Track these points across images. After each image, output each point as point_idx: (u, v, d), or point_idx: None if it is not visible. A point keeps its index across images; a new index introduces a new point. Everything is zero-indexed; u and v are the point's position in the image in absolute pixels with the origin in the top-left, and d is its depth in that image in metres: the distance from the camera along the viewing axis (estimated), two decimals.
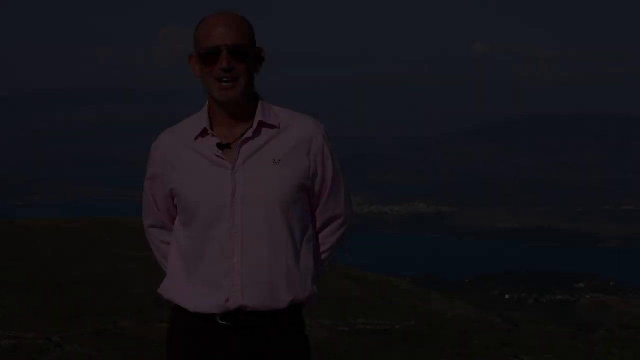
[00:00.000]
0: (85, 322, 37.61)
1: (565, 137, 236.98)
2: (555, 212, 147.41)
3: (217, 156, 2.79)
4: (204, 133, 2.82)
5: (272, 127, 2.82)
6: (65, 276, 43.07)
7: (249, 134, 2.79)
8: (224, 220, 2.76)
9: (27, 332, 35.07)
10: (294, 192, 2.79)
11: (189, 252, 2.83)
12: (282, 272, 2.78)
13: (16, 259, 43.22)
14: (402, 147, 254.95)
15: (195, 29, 2.77)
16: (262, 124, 2.81)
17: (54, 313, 37.87)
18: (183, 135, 2.86)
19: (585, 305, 63.30)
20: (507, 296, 66.90)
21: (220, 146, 2.79)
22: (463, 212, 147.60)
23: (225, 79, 2.73)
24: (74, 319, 37.85)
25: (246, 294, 2.75)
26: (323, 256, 2.98)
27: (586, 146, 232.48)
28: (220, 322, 2.77)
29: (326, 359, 39.43)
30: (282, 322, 2.82)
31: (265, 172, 2.77)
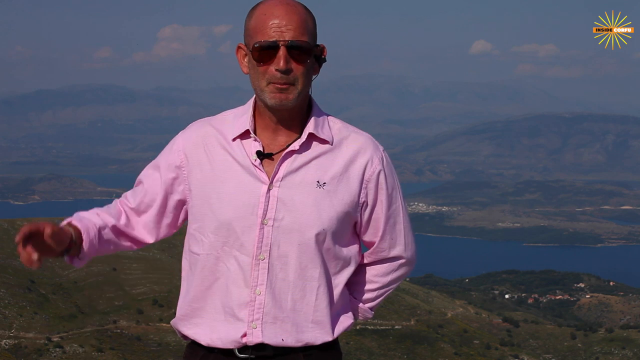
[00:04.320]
0: (85, 322, 37.64)
1: (565, 137, 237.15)
2: (555, 212, 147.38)
3: (255, 166, 2.32)
4: (244, 135, 2.35)
5: (323, 142, 2.35)
6: (65, 276, 43.08)
7: (295, 145, 2.32)
8: (250, 243, 2.30)
9: (27, 332, 35.09)
10: (336, 222, 2.32)
11: (203, 270, 2.37)
12: (309, 312, 2.35)
13: (16, 259, 43.20)
14: (402, 146, 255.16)
15: (247, 15, 2.31)
16: (312, 137, 2.34)
17: (54, 313, 37.87)
18: (220, 132, 2.38)
19: (585, 305, 63.26)
20: (507, 296, 66.91)
21: (260, 154, 2.31)
22: (463, 212, 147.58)
23: (280, 82, 2.25)
24: (74, 319, 37.87)
25: (266, 330, 2.32)
26: (368, 295, 2.51)
27: (586, 146, 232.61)
28: (240, 355, 2.35)
29: None
30: (312, 354, 2.39)
31: (305, 194, 2.30)
